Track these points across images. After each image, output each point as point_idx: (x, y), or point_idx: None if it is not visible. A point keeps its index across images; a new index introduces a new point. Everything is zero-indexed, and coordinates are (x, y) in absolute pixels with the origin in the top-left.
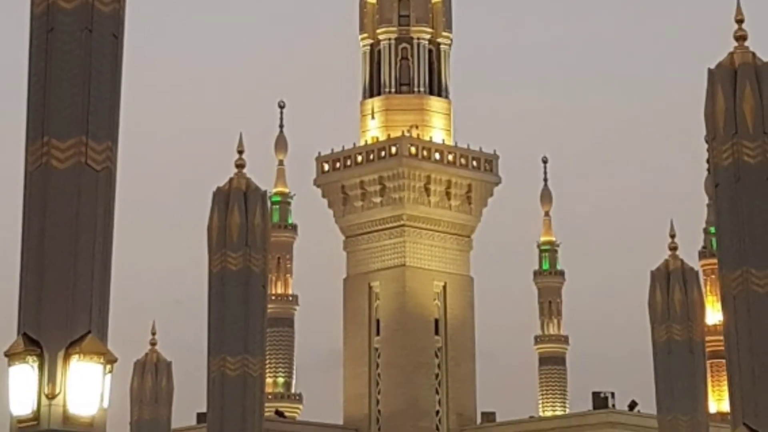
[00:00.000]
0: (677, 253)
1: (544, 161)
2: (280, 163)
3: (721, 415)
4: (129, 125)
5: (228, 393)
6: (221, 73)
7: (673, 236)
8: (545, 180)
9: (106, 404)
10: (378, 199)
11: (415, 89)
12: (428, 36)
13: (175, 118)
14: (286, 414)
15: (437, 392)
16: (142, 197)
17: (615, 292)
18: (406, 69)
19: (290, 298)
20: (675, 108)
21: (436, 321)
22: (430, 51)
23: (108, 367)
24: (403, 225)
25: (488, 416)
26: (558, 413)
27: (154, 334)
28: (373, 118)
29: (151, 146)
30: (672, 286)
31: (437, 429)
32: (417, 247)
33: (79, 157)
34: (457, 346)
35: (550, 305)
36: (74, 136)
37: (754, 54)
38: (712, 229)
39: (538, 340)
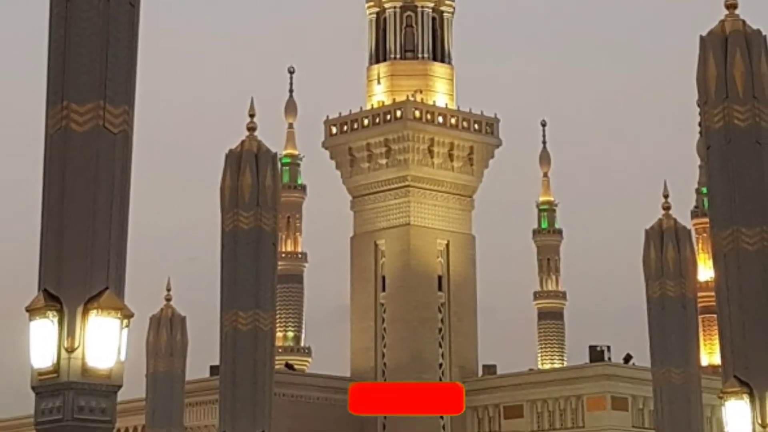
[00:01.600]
0: (670, 212)
1: (543, 124)
2: (290, 126)
3: (712, 368)
4: (145, 90)
5: (240, 346)
6: (234, 40)
7: (666, 196)
8: (544, 142)
9: (123, 357)
10: (384, 161)
11: (419, 55)
12: (432, 4)
13: (190, 84)
14: (296, 366)
15: (440, 346)
16: (157, 159)
17: (611, 249)
18: (410, 36)
19: (299, 256)
20: (669, 73)
21: (440, 278)
22: (433, 18)
23: (125, 321)
24: (407, 185)
25: (489, 369)
26: (556, 366)
27: (169, 290)
28: (379, 83)
29: (166, 110)
30: (665, 245)
31: (440, 381)
32: (421, 207)
33: (97, 121)
34: (459, 301)
35: (548, 262)
36: (92, 101)
37: (744, 22)
38: (704, 190)
39: (537, 295)
